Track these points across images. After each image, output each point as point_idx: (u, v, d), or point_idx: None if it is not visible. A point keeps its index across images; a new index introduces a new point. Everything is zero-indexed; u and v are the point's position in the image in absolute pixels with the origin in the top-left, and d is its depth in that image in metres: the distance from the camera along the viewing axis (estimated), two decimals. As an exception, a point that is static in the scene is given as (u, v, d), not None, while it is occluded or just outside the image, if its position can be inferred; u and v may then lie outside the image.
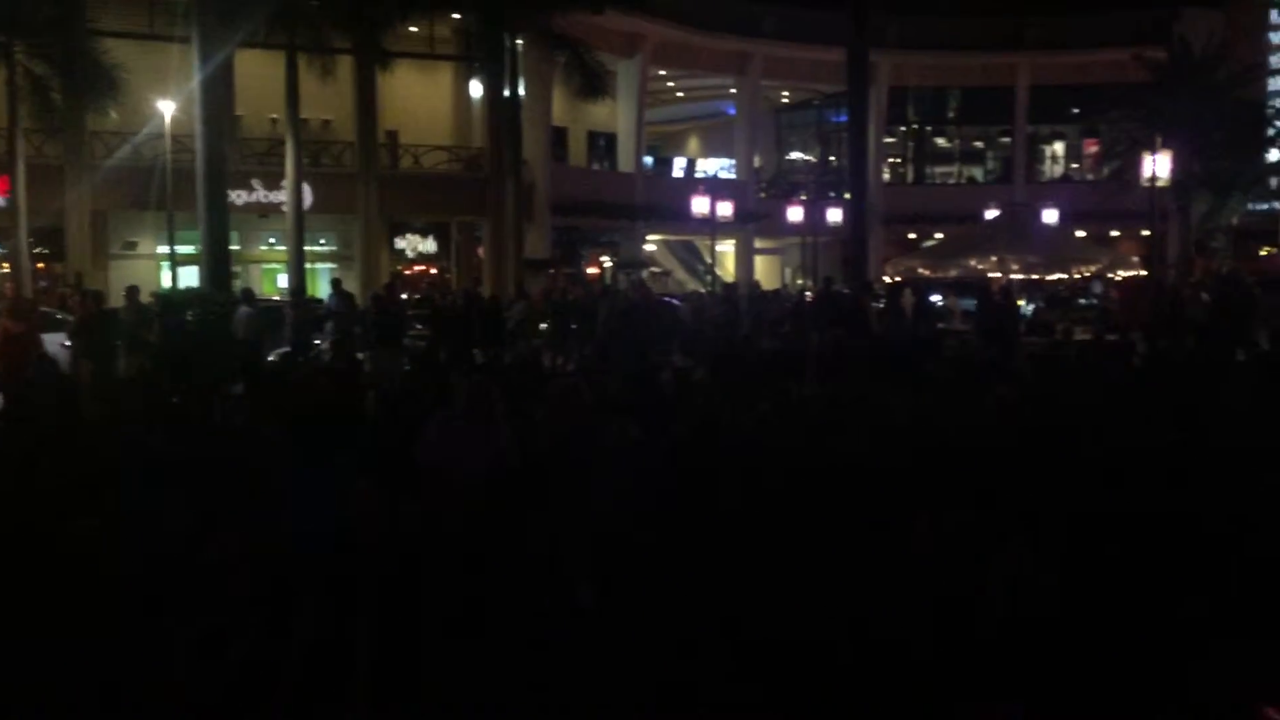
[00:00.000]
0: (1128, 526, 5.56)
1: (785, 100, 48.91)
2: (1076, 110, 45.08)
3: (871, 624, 5.00)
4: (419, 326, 19.96)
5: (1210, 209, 36.50)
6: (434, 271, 35.80)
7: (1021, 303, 23.58)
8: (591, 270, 40.78)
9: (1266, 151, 37.82)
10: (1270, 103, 40.12)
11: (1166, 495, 5.71)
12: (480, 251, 34.79)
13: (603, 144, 42.41)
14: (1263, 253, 42.44)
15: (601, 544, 5.72)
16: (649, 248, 43.23)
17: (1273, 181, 38.83)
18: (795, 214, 35.64)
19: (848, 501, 6.30)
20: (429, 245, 35.88)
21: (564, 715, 4.81)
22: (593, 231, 41.21)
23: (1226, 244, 37.25)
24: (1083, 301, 26.19)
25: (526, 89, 30.97)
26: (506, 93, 28.47)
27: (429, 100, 34.88)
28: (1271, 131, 38.16)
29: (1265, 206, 40.07)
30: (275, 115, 29.13)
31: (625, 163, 41.00)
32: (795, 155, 51.11)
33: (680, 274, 44.64)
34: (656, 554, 5.87)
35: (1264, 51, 41.91)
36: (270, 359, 15.63)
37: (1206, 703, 4.31)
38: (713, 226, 29.71)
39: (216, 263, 20.29)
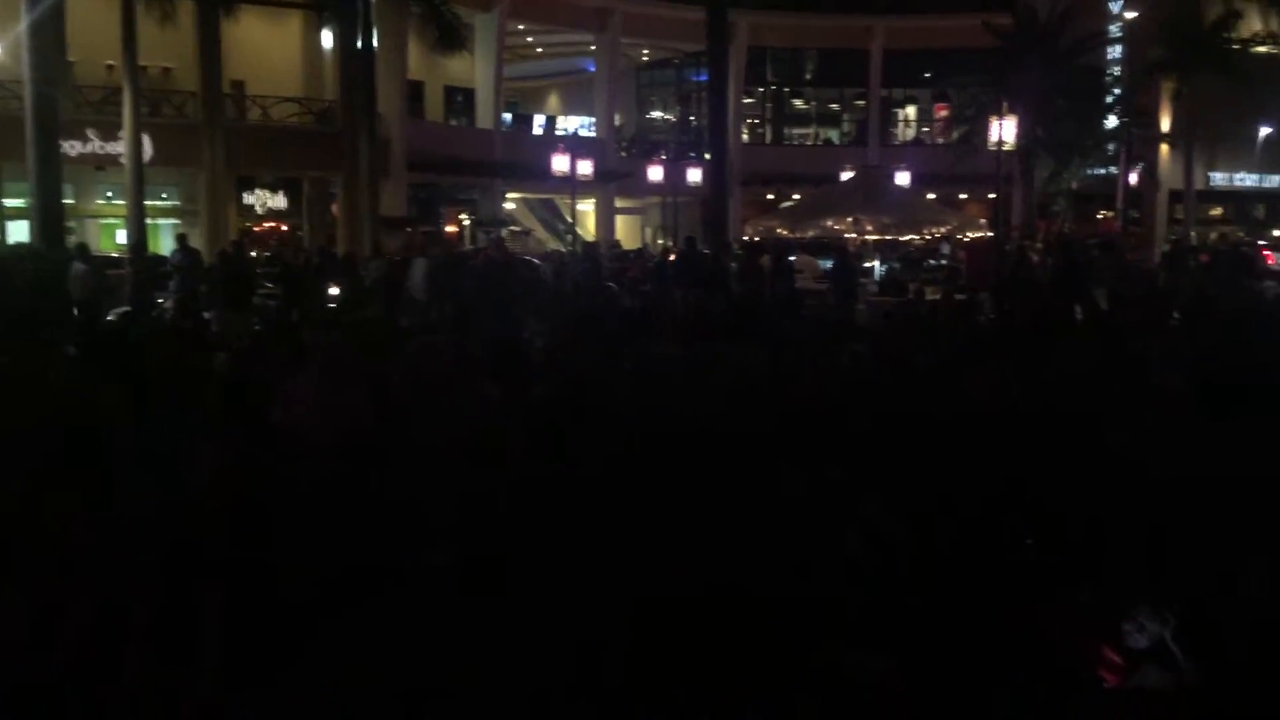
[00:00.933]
0: (976, 480, 5.72)
1: (646, 58, 48.85)
2: (928, 75, 46.24)
3: (736, 582, 5.03)
4: (269, 285, 19.33)
5: (1052, 173, 38.02)
6: (285, 228, 34.70)
7: (875, 263, 24.19)
8: (450, 228, 40.15)
9: (1105, 118, 39.48)
10: (1108, 71, 41.85)
11: (1011, 450, 5.89)
12: (334, 208, 33.84)
13: (461, 99, 41.64)
14: (1100, 216, 44.48)
15: (463, 503, 5.60)
16: (508, 206, 42.79)
17: (1110, 147, 40.57)
18: (656, 173, 35.77)
19: (707, 461, 6.32)
20: (279, 201, 34.71)
21: (425, 678, 4.70)
22: (451, 189, 40.51)
23: (1067, 207, 38.86)
24: (932, 262, 27.02)
25: (380, 41, 30.11)
26: (360, 44, 27.64)
27: (278, 50, 33.63)
28: (1110, 99, 39.84)
29: (1103, 171, 41.89)
30: (112, 62, 27.63)
31: (484, 119, 40.36)
32: (656, 114, 51.16)
33: (541, 233, 44.34)
34: (519, 515, 5.79)
35: (1104, 20, 43.62)
36: (109, 318, 14.90)
37: (1053, 645, 4.46)
38: (573, 185, 29.55)
39: (49, 217, 19.22)
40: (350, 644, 4.90)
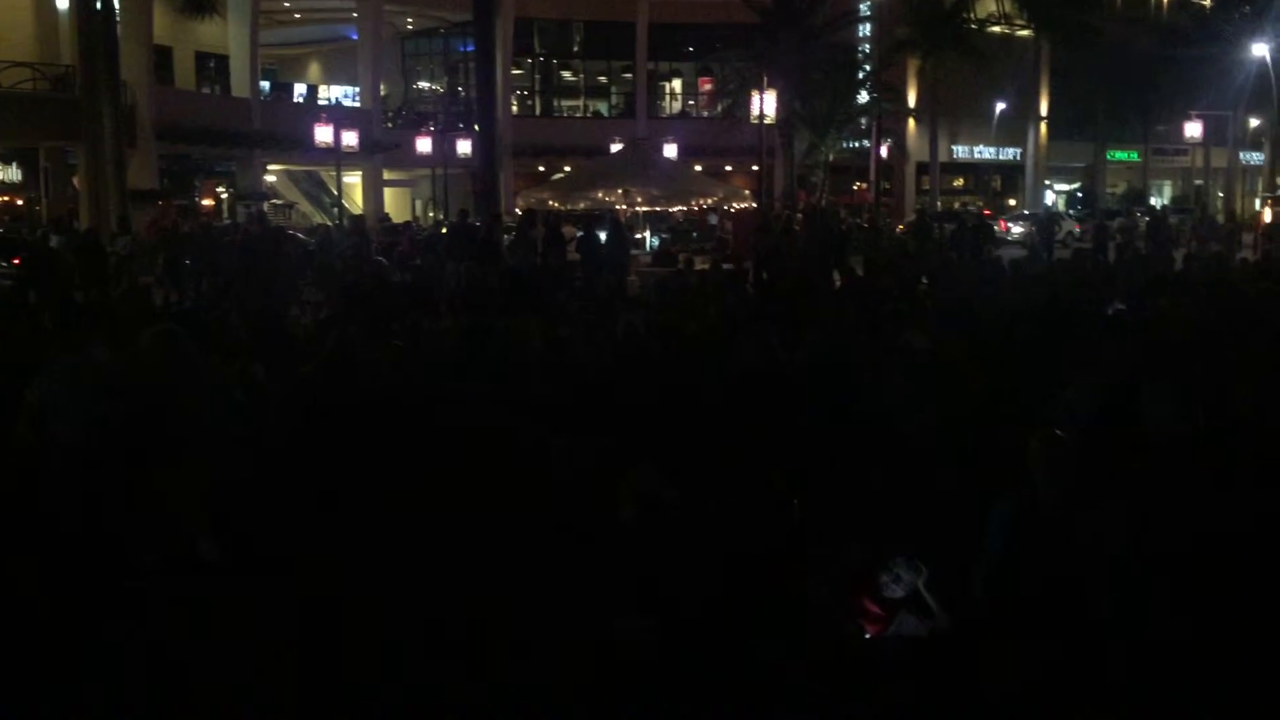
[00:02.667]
0: (743, 443, 5.93)
1: (410, 27, 47.72)
2: (692, 49, 47.15)
3: (512, 550, 5.04)
4: (2, 264, 17.90)
5: (810, 146, 39.57)
6: (20, 203, 32.15)
7: (646, 234, 24.55)
8: (207, 202, 38.20)
9: (857, 94, 41.33)
10: (859, 48, 43.81)
11: (774, 413, 6.12)
12: (76, 181, 31.57)
13: (213, 66, 39.56)
14: (855, 187, 46.69)
15: (220, 494, 5.37)
16: (269, 179, 41.03)
17: (863, 121, 42.53)
18: (425, 145, 35.08)
19: (485, 432, 6.30)
20: (14, 174, 32.12)
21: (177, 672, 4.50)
22: (206, 160, 38.46)
23: (825, 178, 40.55)
24: (695, 234, 27.57)
25: (122, 2, 28.21)
26: (99, 4, 25.77)
27: (6, 10, 31.00)
28: (861, 75, 41.72)
29: (857, 144, 43.91)
30: None
31: (240, 87, 38.46)
32: (424, 84, 50.11)
33: (305, 206, 42.76)
34: (284, 499, 5.60)
35: (854, 0, 45.59)
36: None
37: (818, 595, 4.68)
38: (337, 156, 28.66)
39: None
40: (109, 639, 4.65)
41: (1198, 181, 53.33)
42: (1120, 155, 53.90)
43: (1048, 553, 4.34)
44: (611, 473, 5.76)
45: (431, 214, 39.73)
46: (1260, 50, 36.82)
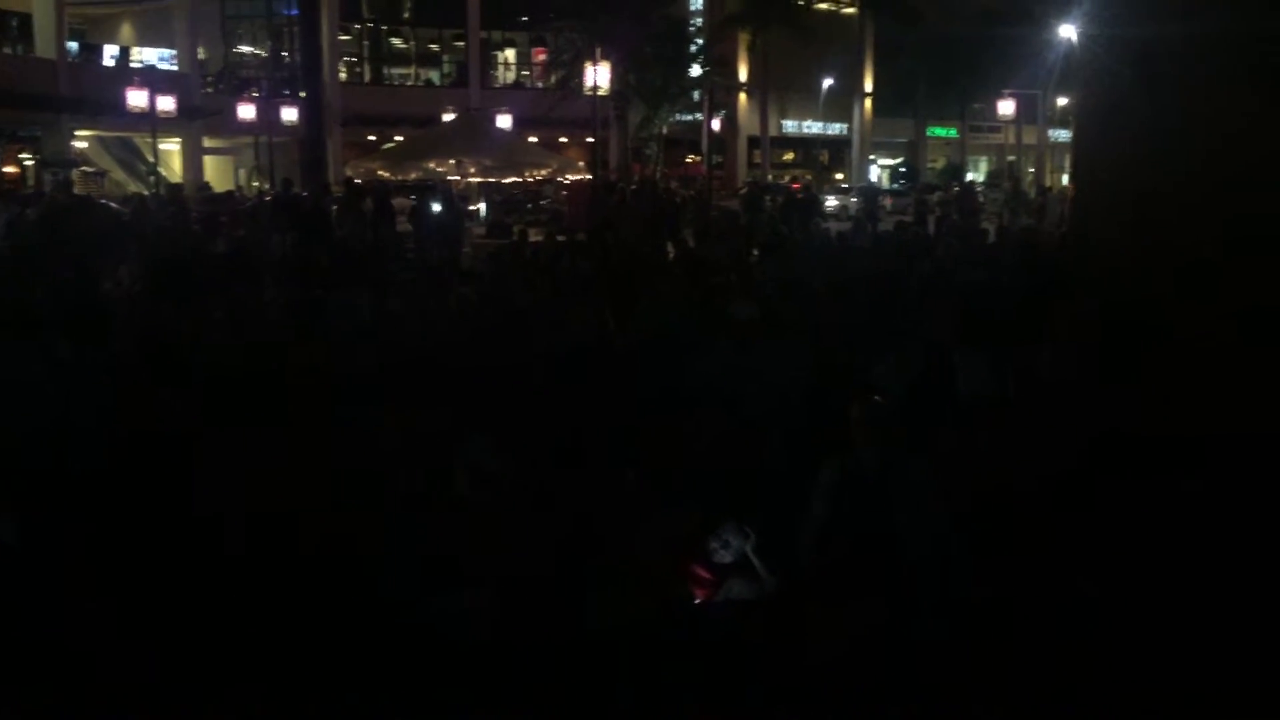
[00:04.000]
0: (577, 413, 5.95)
1: (231, -12, 45.78)
2: (525, 18, 46.66)
3: (346, 524, 4.94)
4: None
5: (644, 118, 39.79)
6: None
7: (480, 205, 24.24)
8: (9, 169, 35.90)
9: (690, 67, 41.73)
10: (691, 21, 44.20)
11: (607, 383, 6.16)
12: None
13: (15, 25, 37.06)
14: (688, 159, 47.19)
15: (26, 477, 5.08)
16: (80, 145, 38.78)
17: (695, 95, 42.97)
18: (247, 111, 33.77)
19: (313, 405, 6.15)
20: None
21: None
22: (8, 125, 36.09)
23: (658, 151, 40.84)
24: (530, 206, 27.27)
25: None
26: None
27: None
28: (694, 48, 42.12)
29: (689, 117, 44.36)
30: None
31: (45, 48, 36.17)
32: (246, 49, 48.11)
33: (119, 175, 40.59)
34: (100, 482, 5.34)
35: (688, -28, 45.96)
36: None
37: (650, 562, 4.74)
38: (153, 122, 27.26)
39: None
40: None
41: (1011, 158, 55.90)
42: (940, 131, 56.04)
43: (866, 514, 4.50)
44: (444, 447, 5.70)
45: (256, 183, 38.26)
46: (1067, 32, 38.75)
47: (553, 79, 42.13)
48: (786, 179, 46.79)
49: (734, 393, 5.62)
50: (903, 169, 54.89)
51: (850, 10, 47.98)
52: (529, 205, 27.05)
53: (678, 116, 42.65)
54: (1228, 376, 4.32)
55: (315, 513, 5.24)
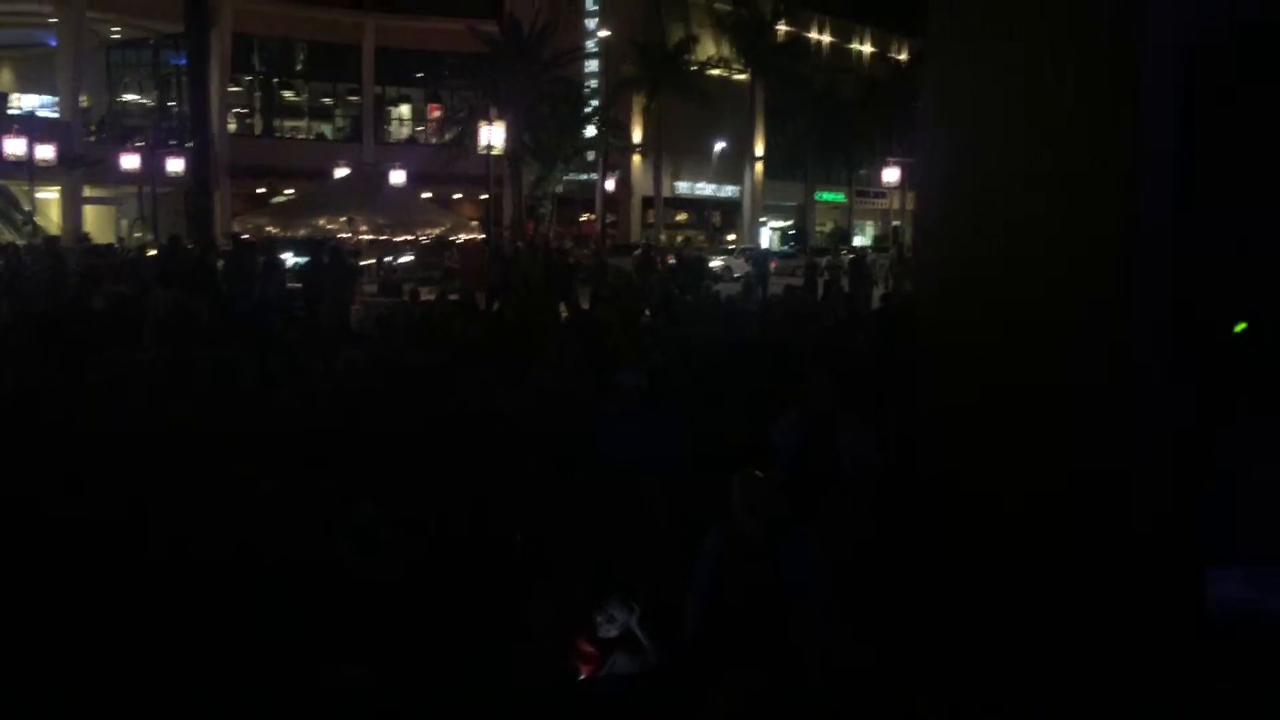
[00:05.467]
0: (465, 481, 5.91)
1: (117, 36, 44.81)
2: (421, 75, 46.71)
3: (214, 600, 4.81)
4: None
5: (539, 177, 40.04)
6: None
7: (371, 263, 24.00)
8: None
9: (584, 128, 42.19)
10: (586, 84, 44.79)
11: (495, 451, 6.14)
12: None
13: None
14: (582, 218, 47.54)
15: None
16: (-49, 192, 37.39)
17: (590, 155, 43.45)
18: (132, 161, 33.09)
19: (192, 464, 6.02)
20: None
21: None
22: (-127, 170, 34.66)
23: (553, 209, 41.08)
24: (423, 265, 26.86)
25: None
26: None
27: None
28: (588, 110, 42.64)
29: (584, 177, 44.79)
30: None
31: (-84, 91, 34.96)
32: (131, 97, 47.10)
33: (-7, 223, 39.19)
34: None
35: (582, 36, 46.60)
36: None
37: (536, 636, 4.72)
38: (31, 170, 26.49)
39: None
40: None
41: (895, 223, 57.62)
42: (829, 196, 57.53)
43: (751, 583, 4.56)
44: (328, 513, 5.62)
45: (139, 234, 37.29)
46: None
47: (447, 136, 42.19)
48: (680, 239, 47.43)
49: (622, 461, 5.66)
50: (792, 231, 56.08)
51: (742, 76, 49.15)
52: (422, 264, 26.74)
53: (573, 176, 43.03)
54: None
55: (190, 578, 5.11)
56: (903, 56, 58.73)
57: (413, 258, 22.82)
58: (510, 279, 19.65)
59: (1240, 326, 3.58)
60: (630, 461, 5.65)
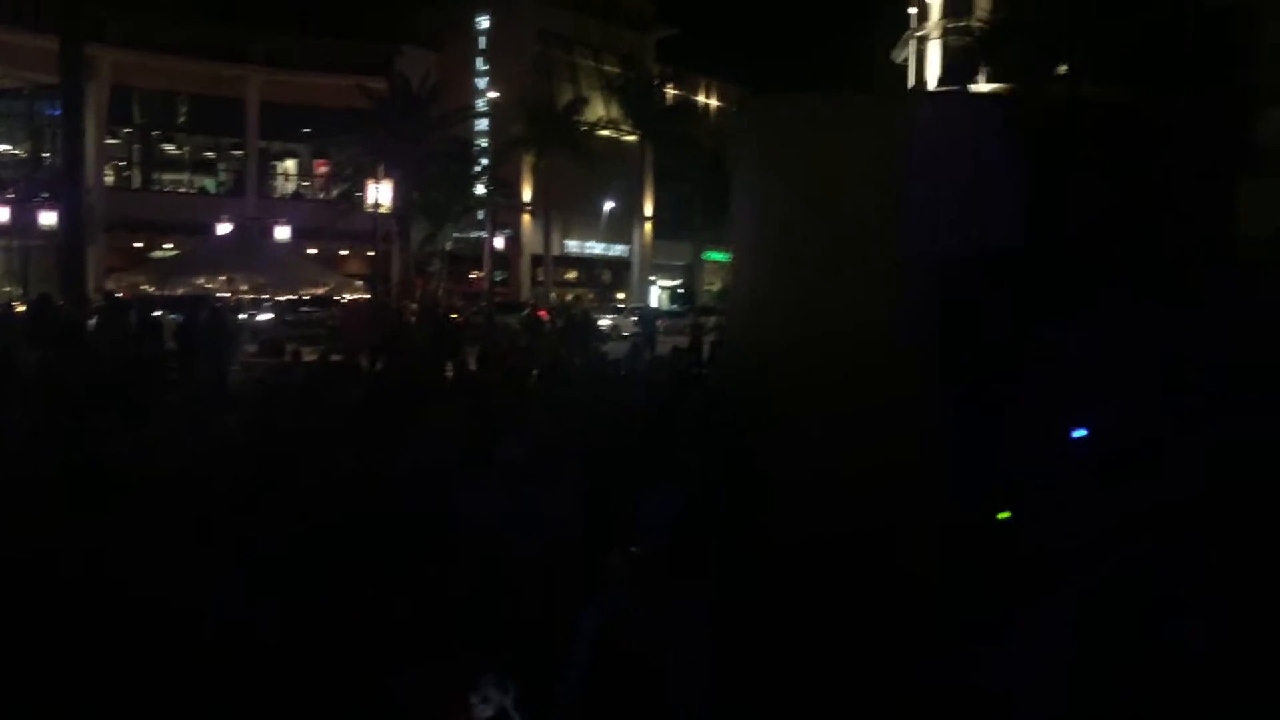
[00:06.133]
0: (343, 552, 5.81)
1: (-12, 86, 43.44)
2: (308, 130, 46.22)
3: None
4: None
5: (428, 235, 39.86)
6: None
7: (251, 319, 23.45)
8: None
9: (474, 186, 42.21)
10: (476, 142, 44.92)
11: (370, 520, 6.06)
12: None
13: None
14: (472, 275, 47.39)
15: None
16: None
17: (480, 213, 43.44)
18: (1, 214, 31.97)
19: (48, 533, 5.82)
20: None
21: None
22: None
23: (442, 267, 40.87)
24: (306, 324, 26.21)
25: None
26: None
27: None
28: (478, 168, 42.71)
29: (474, 234, 44.72)
30: None
31: None
32: (3, 148, 45.57)
33: None
34: None
35: (471, 95, 46.79)
36: None
37: (410, 715, 4.65)
38: (-110, 223, 25.37)
39: None
40: None
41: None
42: (717, 255, 58.40)
43: (630, 658, 4.57)
44: (205, 578, 5.48)
45: (9, 288, 35.90)
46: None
47: (334, 192, 41.76)
48: (570, 297, 47.58)
49: (500, 535, 5.63)
50: (681, 290, 56.71)
51: (632, 137, 49.84)
52: (305, 323, 26.15)
53: (462, 234, 42.92)
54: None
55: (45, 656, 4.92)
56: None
57: (272, 316, 22.22)
58: (395, 339, 19.44)
59: (1004, 515, 3.92)
60: (509, 536, 5.62)
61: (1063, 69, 30.64)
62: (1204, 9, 29.89)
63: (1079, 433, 4.03)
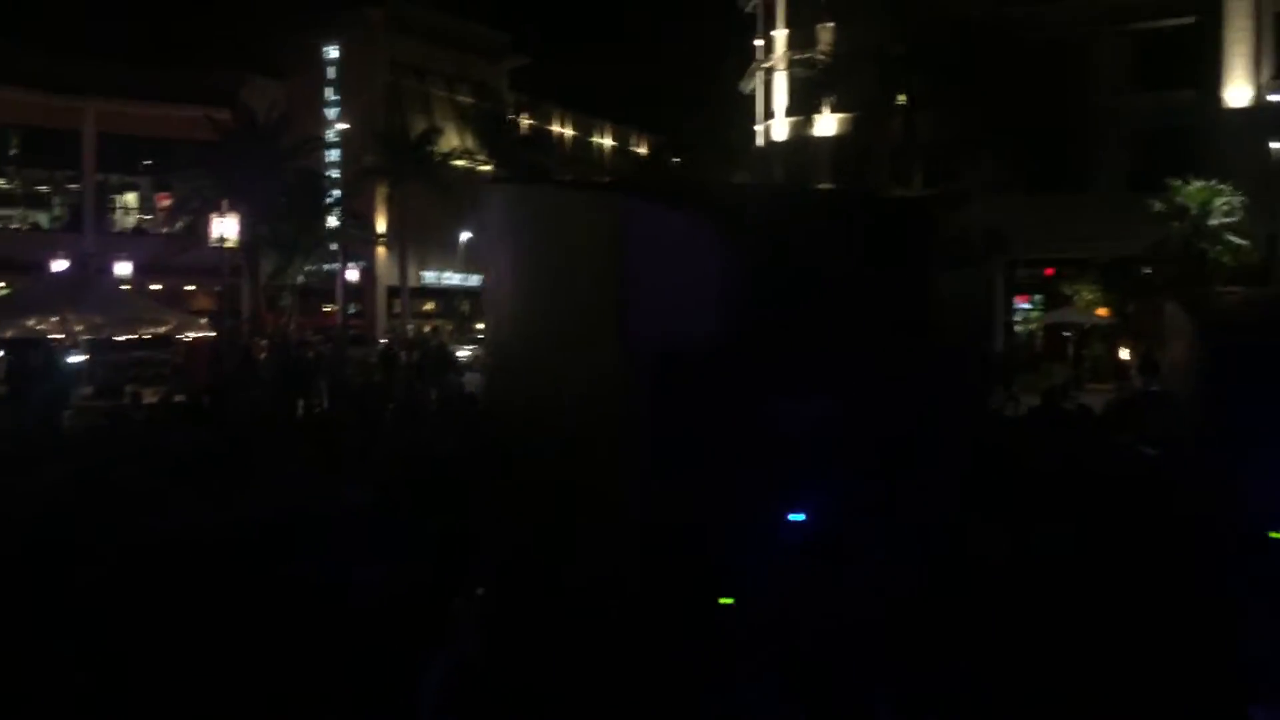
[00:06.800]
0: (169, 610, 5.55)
1: None
2: (149, 162, 44.63)
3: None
4: None
5: (278, 268, 38.88)
6: None
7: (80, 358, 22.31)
8: None
9: (325, 218, 41.41)
10: (327, 173, 44.10)
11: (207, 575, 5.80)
12: None
13: None
14: (326, 309, 46.40)
15: None
16: None
17: (332, 245, 42.61)
18: None
19: None
20: None
21: None
22: None
23: (294, 301, 39.90)
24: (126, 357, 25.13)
25: None
26: None
27: None
28: (329, 200, 41.93)
29: (327, 267, 43.82)
30: None
31: None
32: None
33: None
34: None
35: (322, 126, 45.94)
36: None
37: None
38: None
39: None
40: None
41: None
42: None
43: (477, 709, 4.47)
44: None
45: None
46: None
47: (179, 225, 40.46)
48: (427, 328, 47.00)
49: (342, 589, 5.44)
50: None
51: (487, 167, 49.67)
52: (145, 363, 25.07)
53: (315, 266, 42.02)
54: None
55: None
56: (642, 150, 61.03)
57: (87, 357, 21.18)
58: (242, 376, 18.86)
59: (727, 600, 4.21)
60: (351, 589, 5.44)
61: (902, 99, 31.80)
62: (1040, 41, 31.57)
63: (796, 516, 4.31)
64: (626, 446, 4.24)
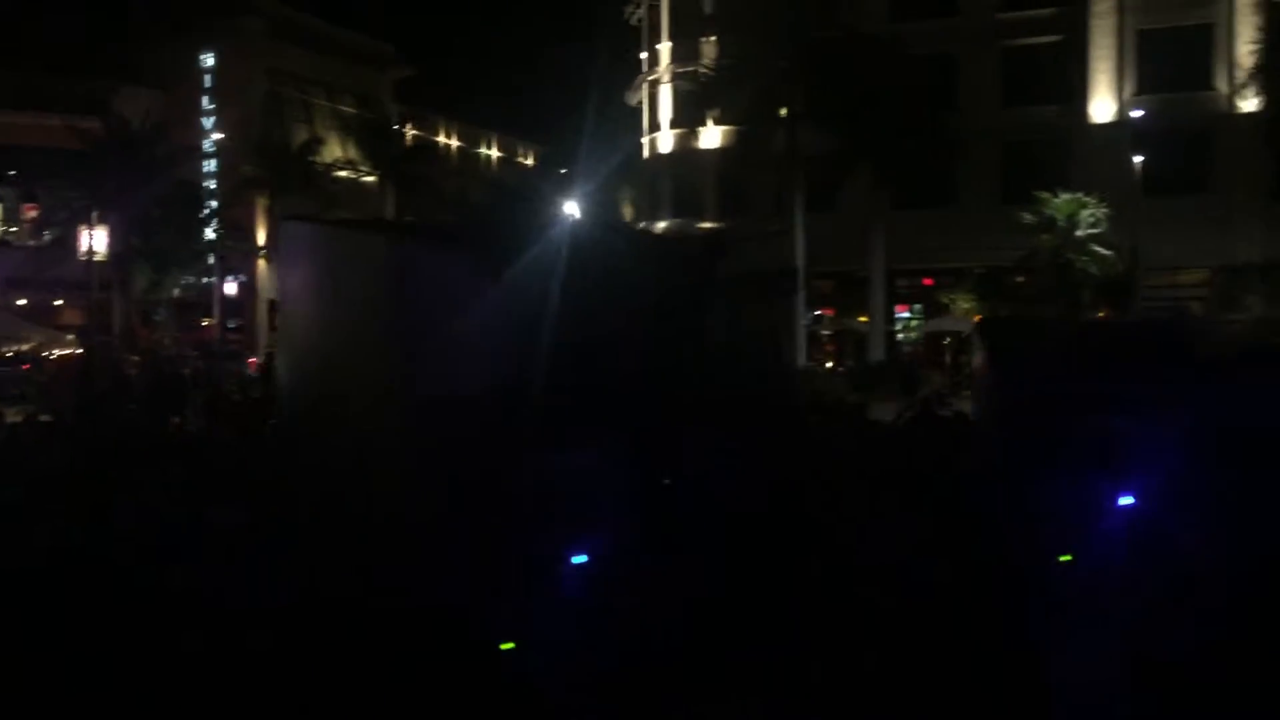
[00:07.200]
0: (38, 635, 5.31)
1: None
2: (13, 172, 42.76)
3: None
4: None
5: (153, 282, 37.64)
6: None
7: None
8: None
9: (202, 230, 40.23)
10: (205, 184, 42.84)
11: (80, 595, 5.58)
12: None
13: None
14: (204, 323, 45.01)
15: None
16: None
17: (209, 258, 41.40)
18: None
19: None
20: None
21: None
22: None
23: (169, 315, 38.66)
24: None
25: None
26: None
27: None
28: (206, 211, 40.76)
29: (204, 280, 42.52)
30: None
31: None
32: None
33: None
34: None
35: (200, 135, 44.59)
36: None
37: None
38: None
39: None
40: None
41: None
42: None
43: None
44: None
45: None
46: (570, 208, 42.02)
47: (46, 237, 38.88)
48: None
49: (223, 610, 5.27)
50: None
51: (372, 178, 48.83)
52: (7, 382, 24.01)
53: (191, 279, 40.79)
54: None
55: None
56: (529, 161, 60.81)
57: None
58: (112, 393, 18.18)
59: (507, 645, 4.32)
60: (233, 609, 5.28)
61: (783, 112, 32.28)
62: (915, 57, 32.38)
63: (578, 559, 4.37)
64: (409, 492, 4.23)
